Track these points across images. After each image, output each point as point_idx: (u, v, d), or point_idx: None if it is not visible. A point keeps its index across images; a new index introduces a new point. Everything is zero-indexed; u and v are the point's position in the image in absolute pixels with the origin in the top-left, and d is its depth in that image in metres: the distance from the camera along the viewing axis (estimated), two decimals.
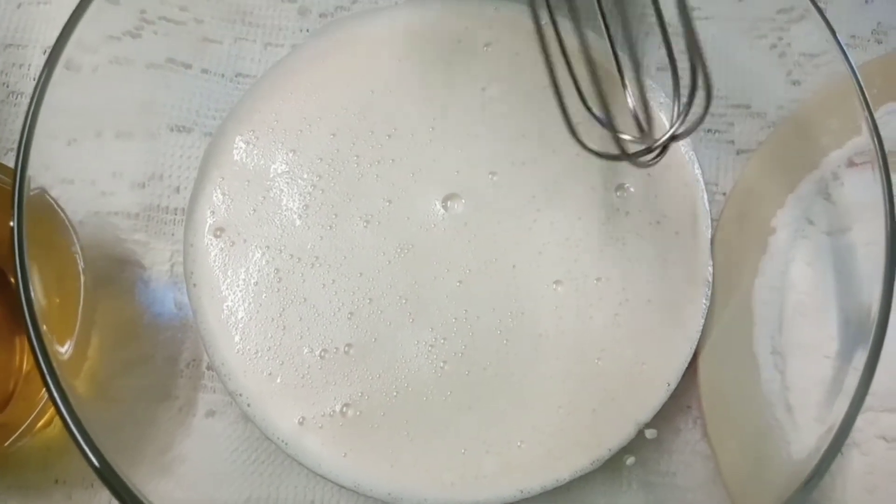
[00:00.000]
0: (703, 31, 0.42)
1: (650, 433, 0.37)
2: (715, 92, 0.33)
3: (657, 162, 0.36)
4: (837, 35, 0.35)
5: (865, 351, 0.32)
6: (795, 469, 0.33)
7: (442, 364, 0.37)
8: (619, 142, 0.35)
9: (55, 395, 0.28)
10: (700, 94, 0.33)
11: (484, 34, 0.42)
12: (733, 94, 0.42)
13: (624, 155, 0.35)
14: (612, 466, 0.37)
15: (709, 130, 0.42)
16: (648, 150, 0.35)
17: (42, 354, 0.28)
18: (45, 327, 0.28)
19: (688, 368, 0.38)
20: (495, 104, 0.41)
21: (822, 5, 0.35)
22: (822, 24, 0.35)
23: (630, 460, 0.37)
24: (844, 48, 0.34)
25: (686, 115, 0.34)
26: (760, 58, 0.40)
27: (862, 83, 0.34)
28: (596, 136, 0.36)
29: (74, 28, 0.33)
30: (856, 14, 0.45)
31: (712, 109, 0.41)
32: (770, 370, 0.37)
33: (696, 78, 0.32)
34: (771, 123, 0.41)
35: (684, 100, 0.34)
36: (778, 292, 0.38)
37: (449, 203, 0.39)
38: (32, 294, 0.29)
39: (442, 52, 0.42)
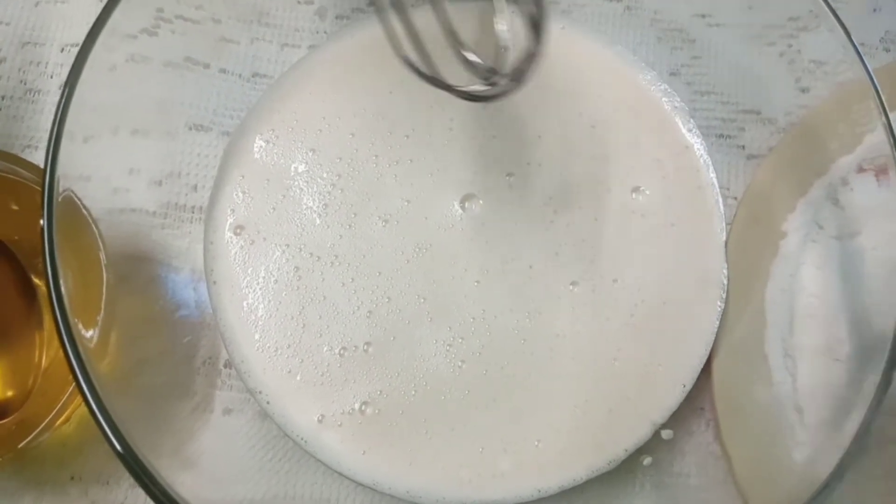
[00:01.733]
0: (714, 37, 0.43)
1: (666, 434, 0.38)
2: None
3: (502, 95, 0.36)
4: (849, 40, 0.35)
5: (882, 358, 0.32)
6: (807, 471, 0.33)
7: (460, 363, 0.37)
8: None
9: (81, 381, 0.29)
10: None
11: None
12: (743, 99, 0.42)
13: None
14: (627, 467, 0.37)
15: (720, 135, 0.42)
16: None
17: (69, 341, 0.28)
18: (77, 322, 0.29)
19: (702, 370, 0.38)
20: (513, 105, 0.41)
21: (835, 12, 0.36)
22: (836, 28, 0.35)
23: (647, 460, 0.37)
24: (860, 51, 0.35)
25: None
26: (770, 65, 0.41)
27: (878, 86, 0.34)
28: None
29: (103, 27, 0.33)
30: (864, 22, 0.45)
31: (723, 114, 0.43)
32: (782, 372, 0.37)
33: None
34: (780, 129, 0.41)
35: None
36: (788, 295, 0.38)
37: (466, 204, 0.40)
38: (63, 290, 0.29)
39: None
